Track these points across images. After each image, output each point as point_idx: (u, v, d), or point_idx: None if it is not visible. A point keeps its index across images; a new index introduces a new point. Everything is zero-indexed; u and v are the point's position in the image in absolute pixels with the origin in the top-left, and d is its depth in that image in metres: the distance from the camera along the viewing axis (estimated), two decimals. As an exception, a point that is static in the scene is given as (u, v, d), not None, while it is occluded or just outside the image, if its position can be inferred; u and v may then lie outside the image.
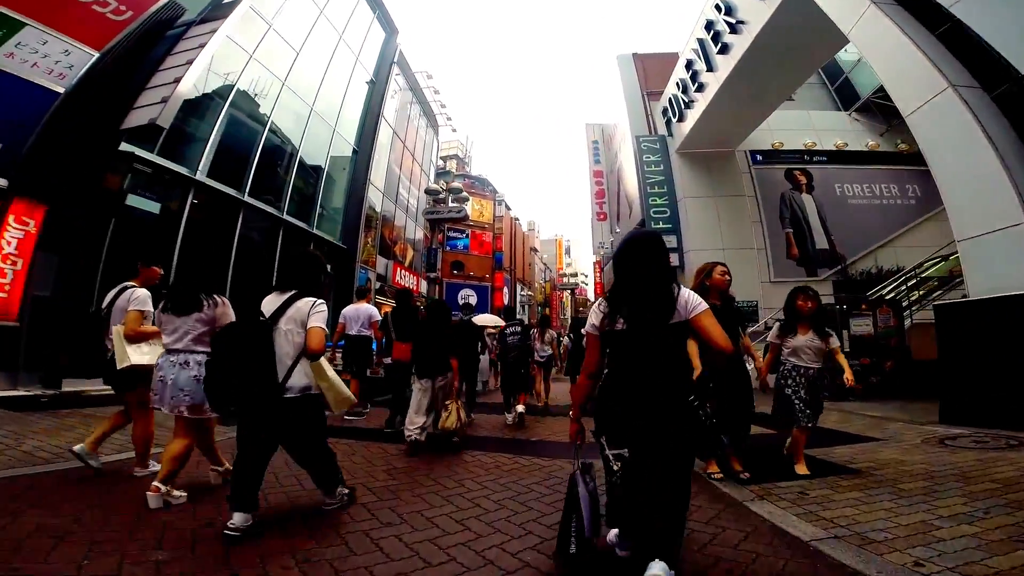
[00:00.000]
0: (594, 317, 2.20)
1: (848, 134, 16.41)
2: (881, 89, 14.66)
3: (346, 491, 3.05)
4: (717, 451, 3.57)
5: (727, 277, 3.66)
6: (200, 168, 9.71)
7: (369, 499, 3.19)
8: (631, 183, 18.47)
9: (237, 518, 2.43)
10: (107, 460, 3.52)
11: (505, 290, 35.99)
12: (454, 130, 27.43)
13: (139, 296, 3.26)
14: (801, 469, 3.78)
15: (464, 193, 15.44)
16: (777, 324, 4.11)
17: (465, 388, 6.81)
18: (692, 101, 14.62)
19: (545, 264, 57.46)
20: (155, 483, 2.79)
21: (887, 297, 11.44)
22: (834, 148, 16.30)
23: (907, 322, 10.43)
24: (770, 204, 15.55)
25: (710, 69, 12.88)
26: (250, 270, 11.01)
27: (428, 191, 15.16)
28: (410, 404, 4.78)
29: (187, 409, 2.91)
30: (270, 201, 12.19)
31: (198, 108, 10.01)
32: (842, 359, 3.85)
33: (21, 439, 3.98)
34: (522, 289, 43.32)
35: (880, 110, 15.83)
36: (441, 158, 46.38)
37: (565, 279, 52.68)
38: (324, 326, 2.70)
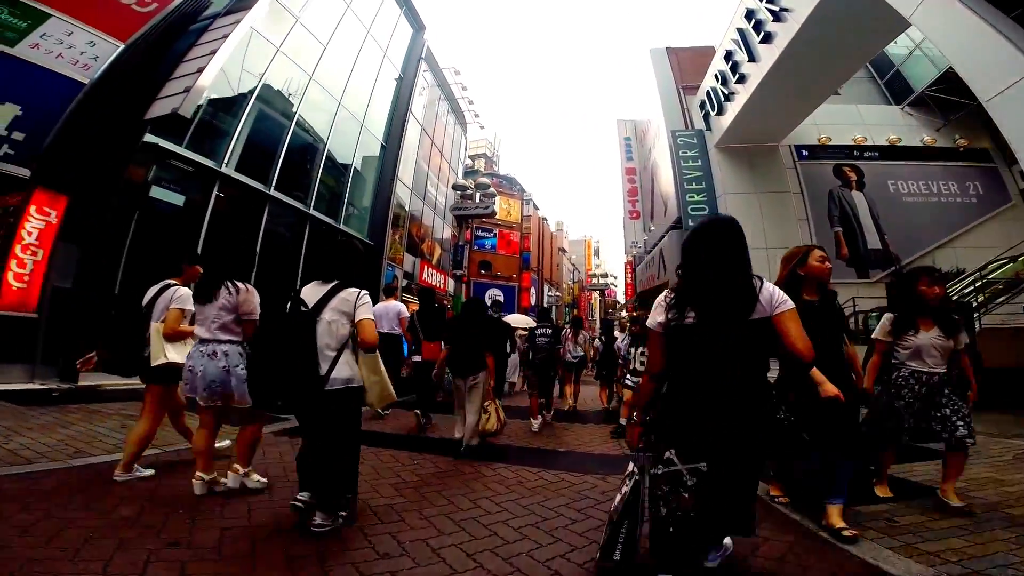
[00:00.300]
0: (658, 312, 2.02)
1: (901, 129, 15.39)
2: (938, 82, 13.96)
3: (344, 514, 2.65)
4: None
5: (827, 264, 2.82)
6: (226, 161, 9.60)
7: (369, 520, 2.77)
8: (666, 180, 17.72)
9: (317, 516, 2.48)
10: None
11: (532, 290, 35.48)
12: (482, 127, 27.11)
13: (182, 295, 3.23)
14: (883, 491, 3.22)
15: (492, 189, 15.05)
16: (887, 318, 3.25)
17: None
18: (732, 93, 13.86)
19: (573, 265, 56.63)
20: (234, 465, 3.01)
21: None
22: (886, 143, 15.31)
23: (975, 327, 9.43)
24: (817, 201, 14.60)
25: (752, 59, 12.11)
26: (276, 264, 10.87)
27: (456, 187, 14.83)
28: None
29: (220, 399, 2.92)
30: (298, 197, 12.05)
31: (225, 103, 9.92)
32: (968, 364, 3.12)
33: (11, 436, 3.73)
34: (549, 290, 42.70)
35: (937, 104, 14.89)
36: (469, 156, 46.24)
37: (594, 279, 51.70)
38: (372, 317, 2.70)
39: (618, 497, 2.12)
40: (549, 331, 6.68)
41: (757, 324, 1.83)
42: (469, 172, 41.10)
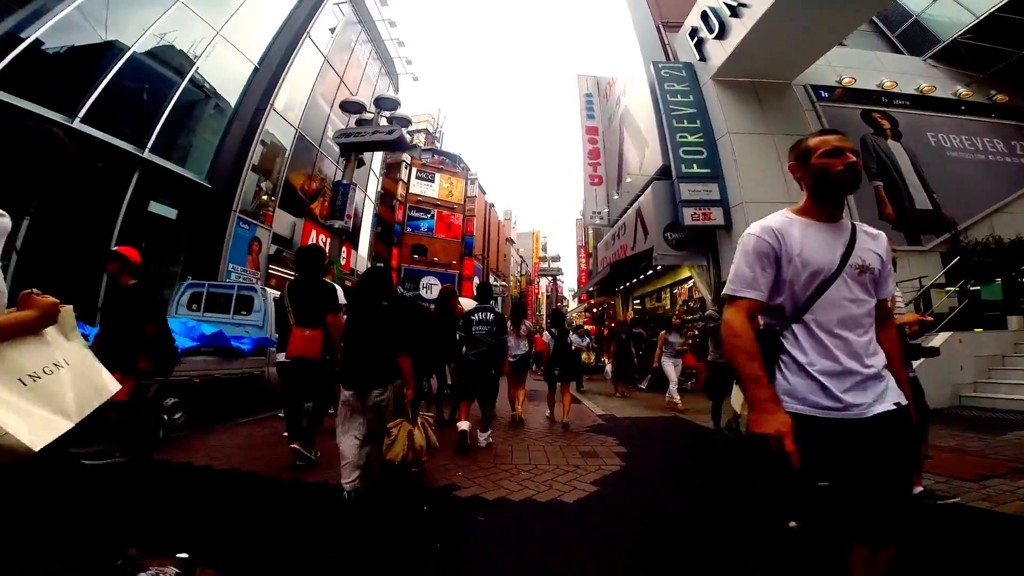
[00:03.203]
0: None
1: (930, 81, 12.48)
2: (973, 29, 11.73)
3: None
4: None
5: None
6: None
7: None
8: (645, 127, 13.55)
9: None
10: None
11: (476, 279, 30.73)
12: (415, 79, 22.00)
13: None
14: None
15: (408, 119, 10.19)
16: None
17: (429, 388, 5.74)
18: (743, 5, 9.81)
19: (522, 257, 52.42)
20: None
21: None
22: (916, 93, 12.25)
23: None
24: None
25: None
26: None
27: (345, 105, 9.87)
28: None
29: None
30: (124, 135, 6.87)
31: None
32: None
33: None
34: (495, 280, 38.11)
35: (972, 54, 12.43)
36: (408, 132, 41.22)
37: (545, 263, 47.33)
38: None
39: None
40: (491, 316, 4.76)
41: None
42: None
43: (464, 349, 4.73)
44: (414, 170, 31.10)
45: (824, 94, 11.80)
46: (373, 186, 19.93)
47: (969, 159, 11.62)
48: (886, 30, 14.25)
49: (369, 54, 19.52)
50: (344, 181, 8.96)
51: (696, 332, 10.36)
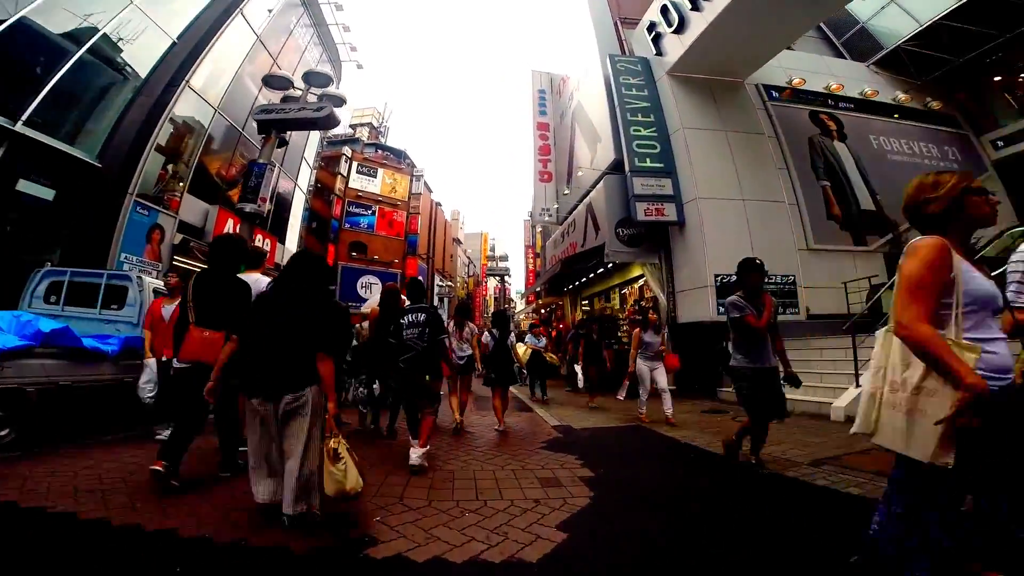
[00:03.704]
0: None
1: (872, 86, 12.88)
2: (916, 37, 12.16)
3: None
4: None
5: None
6: None
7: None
8: (598, 122, 13.13)
9: None
10: None
11: (421, 280, 29.38)
12: (360, 67, 20.65)
13: None
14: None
15: (342, 97, 9.04)
16: None
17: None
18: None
19: (469, 258, 51.42)
20: None
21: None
22: (860, 96, 12.59)
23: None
24: (797, 150, 11.10)
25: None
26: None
27: (269, 80, 8.58)
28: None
29: None
30: None
31: None
32: None
33: None
34: (441, 280, 36.94)
35: (913, 61, 13.05)
36: (351, 126, 39.31)
37: (493, 262, 46.44)
38: None
39: None
40: (422, 317, 4.08)
41: None
42: (349, 140, 34.19)
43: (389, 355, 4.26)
44: (355, 164, 29.42)
45: (775, 94, 11.84)
46: (306, 176, 18.35)
47: (907, 162, 11.99)
48: (832, 36, 14.69)
49: (310, 38, 18.05)
50: (261, 161, 7.75)
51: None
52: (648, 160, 10.24)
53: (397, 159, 33.46)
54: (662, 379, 6.12)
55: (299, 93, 8.91)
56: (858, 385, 5.70)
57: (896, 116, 12.60)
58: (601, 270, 11.90)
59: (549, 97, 20.17)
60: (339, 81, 21.54)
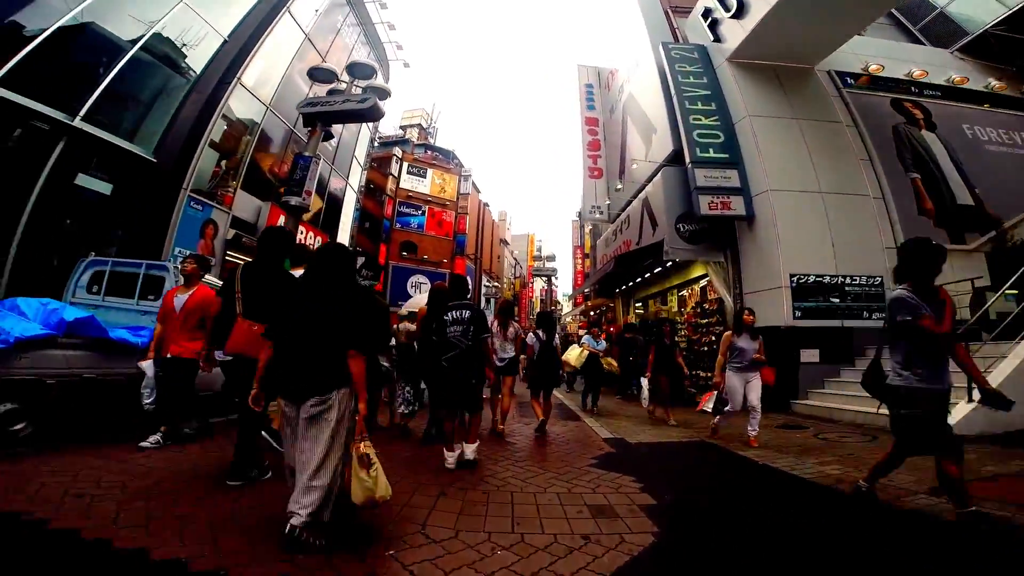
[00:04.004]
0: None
1: (960, 72, 11.45)
2: (1005, 22, 11.05)
3: None
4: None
5: None
6: None
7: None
8: (652, 114, 12.38)
9: None
10: None
11: (467, 280, 29.33)
12: (407, 65, 20.72)
13: None
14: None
15: (387, 90, 8.87)
16: None
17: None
18: None
19: (516, 259, 51.08)
20: None
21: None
22: (948, 84, 11.14)
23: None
24: (880, 140, 9.86)
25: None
26: None
27: (314, 73, 8.51)
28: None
29: None
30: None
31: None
32: None
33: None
34: (488, 281, 36.79)
35: (1004, 47, 11.56)
36: (400, 127, 40.04)
37: (540, 262, 45.74)
38: None
39: None
40: (467, 314, 3.95)
41: None
42: (399, 141, 34.76)
43: (432, 356, 4.06)
44: (405, 165, 29.84)
45: (850, 80, 10.70)
46: (357, 175, 18.54)
47: (1008, 153, 10.53)
48: (907, 22, 13.30)
49: (357, 37, 18.26)
50: (307, 154, 7.63)
51: (712, 339, 9.10)
52: (711, 150, 9.41)
53: (446, 159, 33.69)
54: (755, 395, 5.00)
55: (344, 87, 8.82)
56: (970, 399, 4.77)
57: (987, 105, 11.12)
58: (659, 269, 11.11)
59: (597, 91, 19.52)
60: (388, 80, 21.80)
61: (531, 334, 5.99)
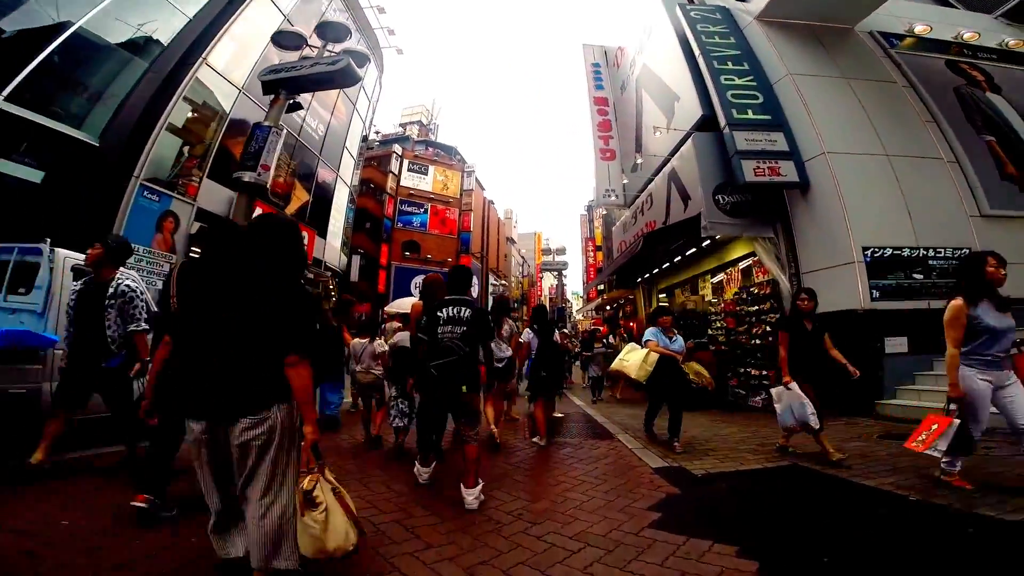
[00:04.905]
0: None
1: (1014, 36, 9.95)
2: None
3: None
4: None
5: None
6: None
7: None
8: (668, 86, 11.05)
9: None
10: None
11: (474, 279, 28.11)
12: (400, 52, 19.48)
13: None
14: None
15: (366, 54, 7.59)
16: None
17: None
18: None
19: (523, 258, 49.74)
20: None
21: None
22: (1001, 47, 9.72)
23: None
24: (943, 103, 8.42)
25: None
26: None
27: (279, 38, 7.17)
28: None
29: None
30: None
31: None
32: None
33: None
34: (496, 280, 35.49)
35: None
36: (400, 125, 38.99)
37: (549, 256, 43.97)
38: None
39: None
40: (466, 313, 3.23)
41: None
42: (400, 139, 33.64)
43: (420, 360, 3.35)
44: (406, 162, 28.75)
45: (895, 41, 9.33)
46: (349, 167, 17.24)
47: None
48: None
49: (344, 22, 17.06)
50: (266, 123, 6.36)
51: (766, 329, 7.65)
52: (750, 111, 8.05)
53: (448, 156, 32.61)
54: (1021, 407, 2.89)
55: (300, 34, 7.49)
56: None
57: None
58: (693, 251, 9.70)
59: (604, 70, 18.39)
60: (382, 73, 20.59)
61: (526, 330, 5.36)
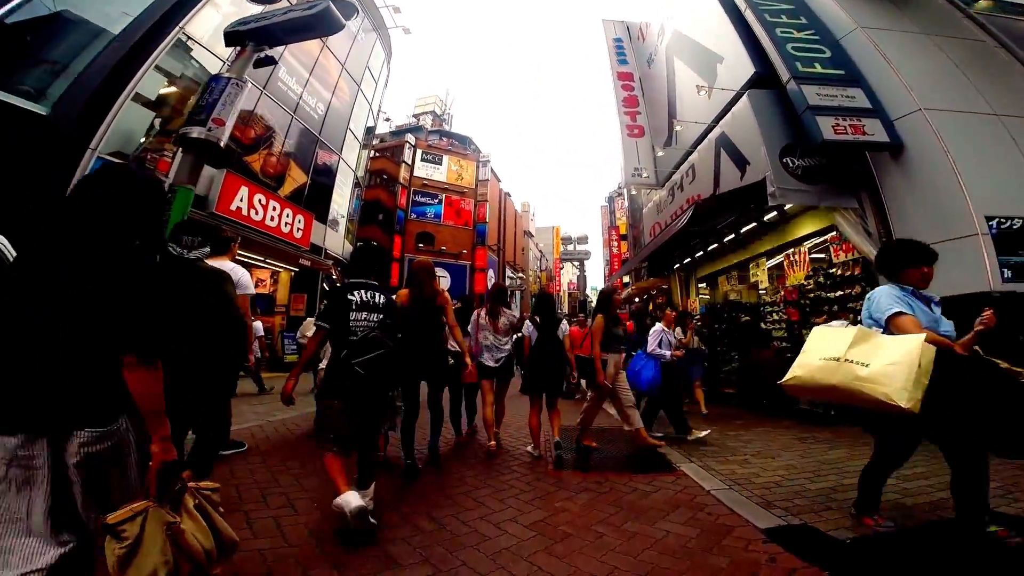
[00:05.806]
0: None
1: None
2: None
3: None
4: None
5: None
6: None
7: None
8: (708, 48, 9.66)
9: None
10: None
11: (490, 272, 27.02)
12: (407, 31, 18.29)
13: None
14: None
15: (353, 4, 6.44)
16: None
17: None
18: None
19: (541, 252, 48.37)
20: None
21: None
22: None
23: None
24: None
25: None
26: None
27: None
28: None
29: None
30: None
31: None
32: None
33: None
34: (513, 273, 34.23)
35: None
36: (413, 115, 38.00)
37: (570, 245, 42.21)
38: None
39: None
40: (379, 298, 2.86)
41: None
42: (412, 129, 32.66)
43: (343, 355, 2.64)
44: (419, 152, 27.75)
45: (970, 2, 7.85)
46: (354, 150, 16.10)
47: None
48: None
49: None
50: (225, 75, 5.26)
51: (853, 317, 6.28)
52: (817, 65, 6.69)
53: (462, 146, 31.55)
54: None
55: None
56: None
57: None
58: (753, 224, 8.28)
59: (628, 44, 17.17)
60: (390, 56, 19.45)
61: (526, 322, 4.70)
